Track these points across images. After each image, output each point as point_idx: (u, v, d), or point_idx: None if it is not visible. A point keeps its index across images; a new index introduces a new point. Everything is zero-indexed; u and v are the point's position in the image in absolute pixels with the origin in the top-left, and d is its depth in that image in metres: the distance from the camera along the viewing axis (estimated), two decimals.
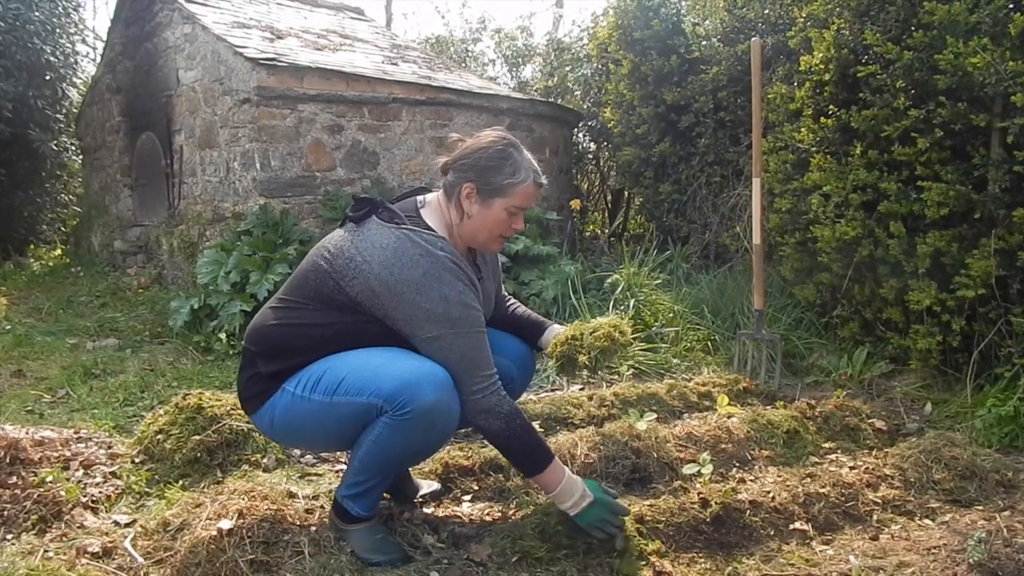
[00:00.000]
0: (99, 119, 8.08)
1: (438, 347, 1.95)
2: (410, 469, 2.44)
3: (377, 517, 2.12)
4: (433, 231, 2.03)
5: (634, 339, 4.20)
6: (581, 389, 3.66)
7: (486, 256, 2.28)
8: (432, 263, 1.95)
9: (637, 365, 4.07)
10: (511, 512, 2.33)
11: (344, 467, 2.34)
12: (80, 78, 9.45)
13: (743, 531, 2.27)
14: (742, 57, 5.47)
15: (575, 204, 6.98)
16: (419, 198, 2.16)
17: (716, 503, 2.28)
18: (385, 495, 2.36)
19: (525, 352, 2.39)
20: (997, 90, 3.31)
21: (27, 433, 2.61)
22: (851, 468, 2.76)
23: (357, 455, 1.98)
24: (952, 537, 2.21)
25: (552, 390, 3.76)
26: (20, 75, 7.82)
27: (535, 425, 2.91)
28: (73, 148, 9.14)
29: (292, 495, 2.34)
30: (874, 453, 2.93)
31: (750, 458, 2.81)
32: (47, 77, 8.39)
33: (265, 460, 2.63)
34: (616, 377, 3.86)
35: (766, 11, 5.55)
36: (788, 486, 2.49)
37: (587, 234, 8.28)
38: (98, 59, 8.56)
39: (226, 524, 1.97)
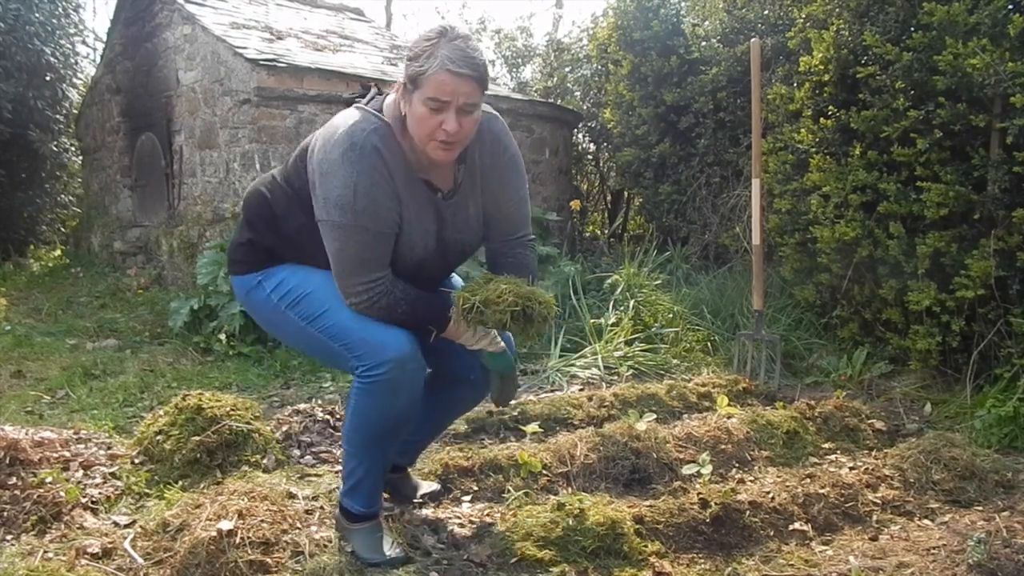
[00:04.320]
0: (99, 120, 8.08)
1: (338, 235, 1.89)
2: (408, 469, 2.44)
3: (379, 518, 2.12)
4: (379, 115, 1.90)
5: (631, 339, 4.24)
6: (581, 390, 3.66)
7: (493, 171, 2.06)
8: (351, 144, 1.84)
9: (637, 366, 4.07)
10: (511, 513, 2.33)
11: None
12: (80, 79, 9.44)
13: (743, 532, 2.27)
14: (742, 58, 5.47)
15: (575, 205, 6.98)
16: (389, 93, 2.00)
17: (716, 504, 2.29)
18: (384, 495, 2.36)
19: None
20: (996, 91, 3.31)
21: (27, 434, 2.61)
22: (851, 469, 2.76)
23: (344, 435, 2.05)
24: (952, 537, 2.21)
25: (552, 391, 3.76)
26: (20, 76, 7.82)
27: (535, 425, 2.91)
28: (73, 149, 9.14)
29: (292, 496, 2.34)
30: (874, 454, 2.93)
31: (750, 459, 2.82)
32: (47, 78, 8.38)
33: (265, 461, 2.62)
34: (616, 378, 3.86)
35: (765, 12, 5.55)
36: (788, 487, 2.49)
37: (587, 235, 8.28)
38: (98, 60, 8.56)
39: (226, 525, 1.97)
